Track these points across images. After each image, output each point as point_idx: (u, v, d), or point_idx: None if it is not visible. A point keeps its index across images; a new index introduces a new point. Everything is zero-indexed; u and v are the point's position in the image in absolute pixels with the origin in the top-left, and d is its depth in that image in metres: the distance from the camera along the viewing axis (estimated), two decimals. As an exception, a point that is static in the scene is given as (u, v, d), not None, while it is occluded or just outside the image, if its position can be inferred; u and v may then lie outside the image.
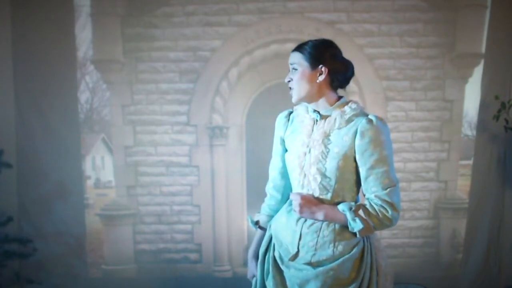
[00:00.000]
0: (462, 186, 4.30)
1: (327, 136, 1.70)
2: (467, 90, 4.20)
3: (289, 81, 1.75)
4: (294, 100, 1.76)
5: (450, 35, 4.14)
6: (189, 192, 4.29)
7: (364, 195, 1.73)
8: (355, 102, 1.77)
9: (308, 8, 4.14)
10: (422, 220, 4.24)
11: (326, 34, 4.04)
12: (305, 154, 1.72)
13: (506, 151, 3.94)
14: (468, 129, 4.40)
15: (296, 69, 1.73)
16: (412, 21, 4.13)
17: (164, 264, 4.27)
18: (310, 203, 1.70)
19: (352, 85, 4.16)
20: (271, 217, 1.90)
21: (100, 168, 5.10)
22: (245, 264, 4.27)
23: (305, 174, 1.72)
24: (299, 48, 1.75)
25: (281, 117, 1.87)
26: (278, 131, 1.86)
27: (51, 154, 4.12)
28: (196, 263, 4.30)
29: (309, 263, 1.69)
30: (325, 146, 1.69)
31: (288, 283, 1.75)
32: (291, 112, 1.87)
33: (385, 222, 1.66)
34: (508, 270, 3.93)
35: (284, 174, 1.86)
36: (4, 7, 4.01)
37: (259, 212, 1.94)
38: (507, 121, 3.69)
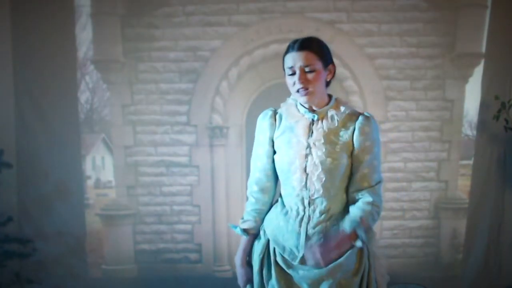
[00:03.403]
0: (462, 186, 4.30)
1: (328, 135, 1.70)
2: (467, 90, 4.20)
3: (302, 82, 1.68)
4: (311, 102, 1.71)
5: (450, 35, 4.14)
6: (189, 192, 4.29)
7: (351, 190, 1.73)
8: (345, 102, 1.78)
9: (308, 8, 4.14)
10: (422, 220, 4.24)
11: (326, 34, 4.05)
12: (306, 155, 1.70)
13: (506, 151, 3.94)
14: (469, 129, 4.40)
15: (312, 70, 1.67)
16: (412, 21, 4.13)
17: (164, 264, 4.27)
18: (329, 253, 1.70)
19: (352, 85, 4.17)
20: (260, 221, 1.84)
21: (100, 168, 5.10)
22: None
23: (307, 175, 1.70)
24: (308, 48, 1.69)
25: (266, 118, 1.81)
26: (265, 132, 1.80)
27: (51, 154, 4.12)
28: (196, 263, 4.30)
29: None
30: (328, 146, 1.69)
31: (296, 285, 1.74)
32: (274, 112, 1.81)
33: (378, 218, 1.75)
34: (508, 270, 3.93)
35: (270, 176, 1.82)
36: (4, 7, 4.01)
37: (243, 219, 1.85)
38: (507, 121, 3.68)
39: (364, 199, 1.71)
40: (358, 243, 1.69)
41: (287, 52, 1.73)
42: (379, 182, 1.73)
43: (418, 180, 4.21)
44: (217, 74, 4.24)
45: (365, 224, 1.69)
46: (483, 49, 4.10)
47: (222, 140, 4.26)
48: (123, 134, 4.29)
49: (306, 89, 1.68)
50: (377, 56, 4.17)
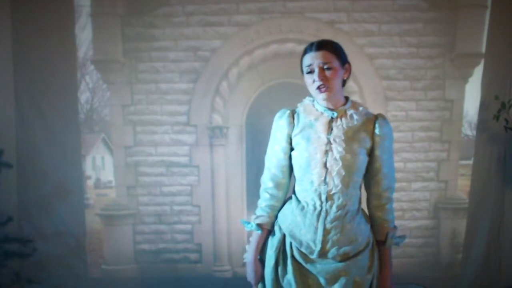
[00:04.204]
0: (462, 186, 4.30)
1: (347, 133, 1.78)
2: (467, 90, 4.20)
3: (321, 79, 1.77)
4: (330, 99, 1.80)
5: (450, 35, 4.14)
6: (189, 192, 4.30)
7: (373, 189, 1.85)
8: (360, 104, 1.89)
9: (308, 8, 4.14)
10: (422, 220, 4.24)
11: (326, 34, 4.05)
12: (327, 151, 1.76)
13: (506, 151, 3.95)
14: (468, 129, 4.40)
15: (330, 68, 1.77)
16: (412, 21, 4.14)
17: (164, 264, 4.27)
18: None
19: (352, 85, 4.17)
20: (274, 217, 1.88)
21: (100, 168, 5.10)
22: (245, 264, 4.26)
23: (327, 170, 1.76)
24: (325, 47, 1.78)
25: (284, 116, 1.87)
26: (283, 130, 1.86)
27: (51, 154, 4.12)
28: (196, 263, 4.30)
29: (335, 257, 1.76)
30: (348, 143, 1.77)
31: (311, 278, 1.78)
32: (292, 112, 1.88)
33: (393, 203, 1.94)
34: (508, 270, 3.93)
35: (286, 173, 1.88)
36: (4, 7, 4.01)
37: (255, 215, 1.90)
38: (507, 121, 3.69)
39: (385, 204, 1.88)
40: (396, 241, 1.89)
41: (305, 53, 1.82)
42: (395, 180, 1.90)
43: (418, 180, 4.21)
44: (217, 74, 4.24)
45: (394, 230, 1.88)
46: (483, 49, 4.10)
47: (222, 140, 4.26)
48: (123, 134, 4.29)
49: (325, 86, 1.76)
50: (377, 56, 4.17)
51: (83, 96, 4.68)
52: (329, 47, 1.79)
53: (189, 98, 4.26)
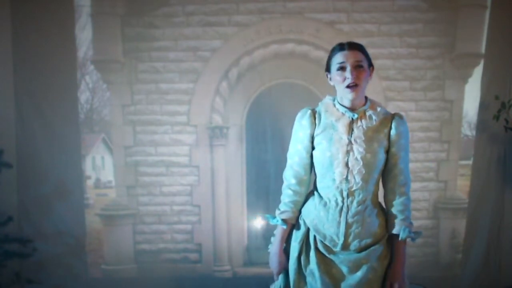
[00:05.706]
0: (461, 186, 4.30)
1: (367, 133, 1.87)
2: (467, 90, 4.21)
3: (354, 77, 1.85)
4: (356, 98, 1.88)
5: (450, 35, 4.15)
6: (189, 192, 4.30)
7: (390, 185, 1.90)
8: (379, 103, 1.97)
9: (308, 8, 4.14)
10: (422, 220, 4.25)
11: (326, 34, 4.06)
12: (348, 151, 1.85)
13: (506, 151, 3.95)
14: (468, 129, 4.40)
15: (362, 67, 1.86)
16: (412, 21, 4.14)
17: (164, 264, 4.27)
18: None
19: (352, 85, 4.18)
20: (297, 212, 1.97)
21: (100, 168, 5.10)
22: (245, 264, 4.27)
23: (348, 169, 1.85)
24: (357, 48, 1.89)
25: (306, 116, 1.94)
26: (306, 129, 1.93)
27: (51, 154, 4.12)
28: (196, 263, 4.30)
29: (357, 249, 1.87)
30: (368, 143, 1.86)
31: (335, 268, 1.89)
32: (313, 111, 1.94)
33: (411, 202, 1.94)
34: (508, 270, 3.94)
35: (307, 170, 1.97)
36: (4, 7, 4.01)
37: (280, 210, 1.97)
38: (507, 121, 3.69)
39: (401, 199, 1.89)
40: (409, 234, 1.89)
41: (335, 52, 1.91)
42: (410, 177, 1.93)
43: (417, 180, 4.21)
44: (217, 74, 4.24)
45: (411, 225, 1.88)
46: (483, 49, 4.11)
47: (222, 140, 4.26)
48: (123, 134, 4.30)
49: (356, 84, 1.85)
50: (377, 56, 4.17)
51: (83, 96, 4.68)
52: (360, 48, 1.90)
53: (189, 98, 4.26)
